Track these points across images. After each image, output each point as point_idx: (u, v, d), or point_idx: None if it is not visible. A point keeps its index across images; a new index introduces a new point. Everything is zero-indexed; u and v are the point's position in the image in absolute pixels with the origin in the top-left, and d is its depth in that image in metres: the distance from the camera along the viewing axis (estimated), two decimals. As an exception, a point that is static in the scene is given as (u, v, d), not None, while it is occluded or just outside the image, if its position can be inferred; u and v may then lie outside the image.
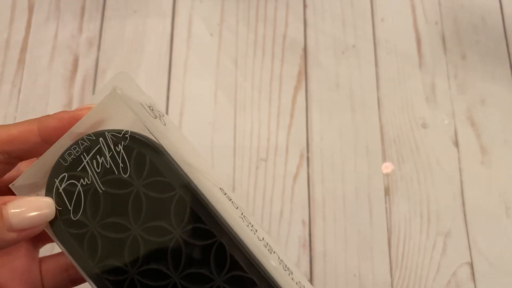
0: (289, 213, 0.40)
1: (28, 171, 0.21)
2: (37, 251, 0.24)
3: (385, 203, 0.41)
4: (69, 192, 0.20)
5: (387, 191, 0.41)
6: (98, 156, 0.20)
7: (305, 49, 0.45)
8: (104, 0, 0.47)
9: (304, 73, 0.45)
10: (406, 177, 0.42)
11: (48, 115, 0.22)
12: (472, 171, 0.42)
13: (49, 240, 0.24)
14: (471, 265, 0.39)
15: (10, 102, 0.43)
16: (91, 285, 0.21)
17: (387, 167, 0.42)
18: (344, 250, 0.40)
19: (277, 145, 0.42)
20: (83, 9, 0.46)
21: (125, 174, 0.20)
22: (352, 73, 0.45)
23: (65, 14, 0.46)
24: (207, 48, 0.45)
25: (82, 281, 0.24)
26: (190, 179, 0.20)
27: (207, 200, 0.20)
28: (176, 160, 0.20)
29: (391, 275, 0.39)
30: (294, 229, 0.40)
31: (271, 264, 0.20)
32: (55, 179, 0.20)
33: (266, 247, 0.21)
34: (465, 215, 0.41)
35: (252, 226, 0.22)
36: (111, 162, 0.20)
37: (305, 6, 0.47)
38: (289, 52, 0.45)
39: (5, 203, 0.19)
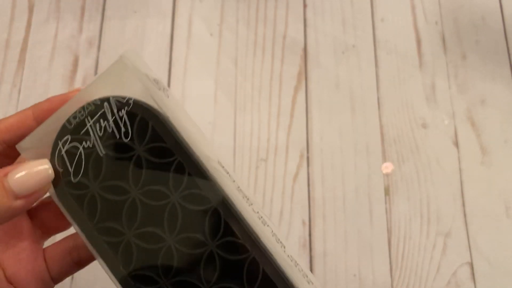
0: (289, 213, 0.41)
1: (34, 133, 0.21)
2: (41, 243, 0.25)
3: (385, 203, 0.41)
4: (71, 154, 0.21)
5: (387, 191, 0.41)
6: (101, 120, 0.21)
7: (305, 49, 0.45)
8: (104, 0, 0.47)
9: (304, 73, 0.45)
10: (406, 177, 0.42)
11: (41, 101, 0.22)
12: (472, 171, 0.42)
13: (52, 232, 0.25)
14: (471, 265, 0.39)
15: (10, 102, 0.43)
16: (88, 247, 0.21)
17: (387, 167, 0.42)
18: (344, 250, 0.40)
19: (277, 145, 0.42)
20: (83, 9, 0.46)
21: (127, 139, 0.21)
22: (352, 73, 0.45)
23: (65, 14, 0.46)
24: (207, 48, 0.45)
25: (86, 263, 0.25)
26: (189, 145, 0.20)
27: (205, 166, 0.20)
28: (177, 128, 0.21)
29: (391, 275, 0.39)
30: (294, 229, 0.40)
31: (264, 234, 0.21)
32: (59, 141, 0.21)
33: (260, 219, 0.21)
34: (465, 215, 0.41)
35: (247, 199, 0.22)
36: (114, 127, 0.21)
37: (305, 6, 0.47)
38: (289, 52, 0.45)
39: (5, 174, 0.19)
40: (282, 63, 0.45)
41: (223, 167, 0.22)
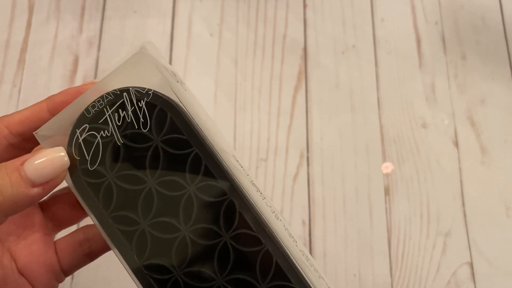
0: (289, 213, 0.41)
1: (52, 121, 0.21)
2: (52, 236, 0.25)
3: (385, 203, 0.41)
4: (89, 142, 0.21)
5: (387, 191, 0.41)
6: (120, 110, 0.21)
7: (305, 49, 0.45)
8: (104, 0, 0.47)
9: (304, 73, 0.45)
10: (406, 177, 0.42)
11: (54, 94, 0.22)
12: (472, 171, 0.42)
13: (63, 225, 0.26)
14: (471, 265, 0.39)
15: (10, 102, 0.43)
16: (103, 236, 0.21)
17: (387, 167, 0.42)
18: (344, 250, 0.40)
19: (277, 145, 0.42)
20: (83, 9, 0.46)
21: (145, 129, 0.21)
22: (352, 73, 0.45)
23: (65, 14, 0.46)
24: (207, 48, 0.45)
25: (97, 255, 0.25)
26: (206, 138, 0.21)
27: (221, 158, 0.21)
28: (194, 121, 0.21)
29: (391, 275, 0.39)
30: (294, 229, 0.40)
31: (277, 227, 0.21)
32: (77, 130, 0.21)
33: (273, 213, 0.22)
34: (465, 215, 0.41)
35: (260, 193, 0.22)
36: (132, 117, 0.21)
37: (305, 6, 0.47)
38: (289, 52, 0.45)
39: (22, 163, 0.19)
40: (282, 63, 0.45)
41: (237, 161, 0.22)
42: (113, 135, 0.21)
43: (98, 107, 0.21)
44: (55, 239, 0.26)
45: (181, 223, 0.21)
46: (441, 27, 0.46)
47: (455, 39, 0.46)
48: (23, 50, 0.45)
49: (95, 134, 0.21)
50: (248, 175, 0.22)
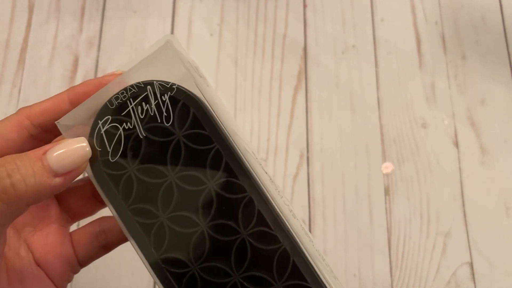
0: (289, 213, 0.41)
1: (74, 111, 0.21)
2: (68, 227, 0.25)
3: (385, 203, 0.41)
4: (110, 134, 0.21)
5: (387, 191, 0.41)
6: (143, 103, 0.21)
7: (305, 49, 0.45)
8: (104, 0, 0.47)
9: (304, 73, 0.45)
10: (406, 177, 0.42)
11: (76, 85, 0.23)
12: (472, 171, 0.42)
13: (78, 217, 0.26)
14: (471, 265, 0.39)
15: (10, 102, 0.43)
16: (121, 227, 0.21)
17: (387, 167, 0.42)
18: (344, 250, 0.40)
19: (277, 145, 0.42)
20: (83, 9, 0.46)
21: (168, 123, 0.21)
22: (352, 73, 0.45)
23: (65, 14, 0.46)
24: (207, 48, 0.45)
25: (113, 247, 0.26)
26: (228, 134, 0.21)
27: (242, 155, 0.21)
28: (216, 117, 0.21)
29: (391, 275, 0.39)
30: (294, 229, 0.40)
31: (295, 226, 0.21)
32: (99, 121, 0.21)
33: (291, 211, 0.22)
34: (465, 215, 0.41)
35: (278, 191, 0.22)
36: (156, 110, 0.21)
37: (305, 6, 0.47)
38: (289, 52, 0.45)
39: (44, 152, 0.19)
40: (282, 63, 0.45)
41: (256, 158, 0.23)
42: (135, 127, 0.21)
43: (121, 99, 0.21)
44: (70, 230, 0.26)
45: (199, 218, 0.21)
46: (441, 27, 0.46)
47: (455, 39, 0.46)
48: (23, 50, 0.45)
49: (117, 126, 0.21)
50: (266, 173, 0.23)
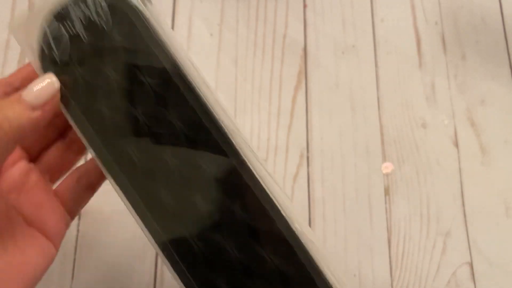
0: (289, 213, 0.41)
1: (23, 14, 0.24)
2: (51, 187, 0.27)
3: (385, 203, 0.41)
4: (57, 37, 0.23)
5: (387, 191, 0.41)
6: (85, 10, 0.23)
7: (305, 49, 0.45)
8: (104, 0, 0.47)
9: (304, 73, 0.45)
10: (406, 177, 0.42)
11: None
12: (472, 171, 0.42)
13: (57, 175, 0.28)
14: (471, 265, 0.39)
15: (10, 102, 0.43)
16: (84, 144, 0.23)
17: (387, 167, 0.42)
18: (344, 250, 0.40)
19: (277, 145, 0.42)
20: (83, 9, 0.46)
21: (107, 29, 0.23)
22: (352, 73, 0.45)
23: (65, 14, 0.46)
24: (207, 48, 0.45)
25: (96, 185, 0.27)
26: (164, 41, 0.23)
27: (177, 59, 0.23)
28: (154, 27, 0.23)
29: (391, 275, 0.39)
30: (294, 229, 0.40)
31: (283, 200, 0.22)
32: (46, 26, 0.23)
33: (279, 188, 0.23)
34: (465, 215, 0.41)
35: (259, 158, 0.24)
36: (96, 17, 0.23)
37: (305, 6, 0.47)
38: (289, 52, 0.45)
39: (20, 93, 0.22)
40: (282, 63, 0.45)
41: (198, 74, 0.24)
42: (79, 33, 0.23)
43: (64, 7, 0.23)
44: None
45: (139, 112, 0.22)
46: (441, 27, 0.46)
47: (455, 39, 0.46)
48: (23, 50, 0.45)
49: (62, 30, 0.23)
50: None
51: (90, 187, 0.27)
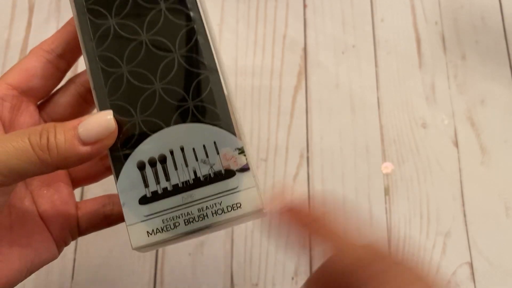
0: (289, 213, 0.41)
1: None
2: (73, 190, 0.27)
3: (385, 203, 0.41)
4: None
5: (387, 191, 0.41)
6: None
7: (305, 49, 0.45)
8: (104, 0, 0.47)
9: (304, 73, 0.45)
10: (406, 177, 0.42)
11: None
12: (472, 171, 0.42)
13: (81, 183, 0.28)
14: (471, 265, 0.39)
15: (10, 102, 0.43)
16: (86, 68, 0.24)
17: (387, 167, 0.42)
18: (344, 250, 0.40)
19: (277, 145, 0.42)
20: (83, 9, 0.46)
21: None
22: (352, 73, 0.45)
23: (66, 14, 0.46)
24: (207, 48, 0.45)
25: (115, 221, 0.27)
26: (205, 20, 0.24)
27: (210, 40, 0.24)
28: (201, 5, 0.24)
29: (391, 275, 0.39)
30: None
31: (224, 65, 0.24)
32: None
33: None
34: (465, 215, 0.41)
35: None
36: None
37: (305, 6, 0.47)
38: (289, 52, 0.45)
39: (79, 123, 0.22)
40: (282, 63, 0.45)
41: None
42: None
43: None
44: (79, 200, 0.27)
45: (156, 79, 0.23)
46: (441, 27, 0.46)
47: (455, 39, 0.46)
48: (23, 50, 0.45)
49: None
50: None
51: (110, 218, 0.27)
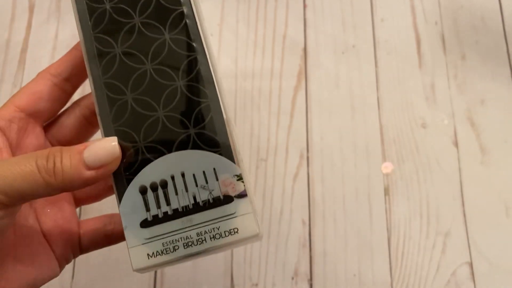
0: (289, 213, 0.41)
1: None
2: (75, 208, 0.28)
3: (385, 203, 0.41)
4: None
5: (387, 191, 0.41)
6: None
7: (305, 49, 0.45)
8: (104, 0, 0.47)
9: (304, 73, 0.45)
10: (406, 177, 0.42)
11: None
12: (472, 171, 0.42)
13: (82, 202, 0.28)
14: (471, 265, 0.39)
15: (10, 102, 0.43)
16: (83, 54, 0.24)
17: (387, 167, 0.42)
18: (344, 250, 0.40)
19: (277, 145, 0.42)
20: (83, 9, 0.46)
21: None
22: (352, 73, 0.45)
23: (66, 14, 0.46)
24: (207, 48, 0.45)
25: (116, 239, 0.27)
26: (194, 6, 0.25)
27: (200, 29, 0.25)
28: None
29: (391, 275, 0.39)
30: (294, 229, 0.40)
31: (223, 89, 0.24)
32: None
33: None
34: (464, 215, 0.41)
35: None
36: None
37: (305, 6, 0.47)
38: (289, 52, 0.45)
39: (85, 147, 0.22)
40: (282, 63, 0.45)
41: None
42: None
43: None
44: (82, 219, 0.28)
45: (160, 106, 0.23)
46: (441, 27, 0.46)
47: (455, 39, 0.46)
48: (24, 50, 0.45)
49: None
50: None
51: (112, 237, 0.27)
